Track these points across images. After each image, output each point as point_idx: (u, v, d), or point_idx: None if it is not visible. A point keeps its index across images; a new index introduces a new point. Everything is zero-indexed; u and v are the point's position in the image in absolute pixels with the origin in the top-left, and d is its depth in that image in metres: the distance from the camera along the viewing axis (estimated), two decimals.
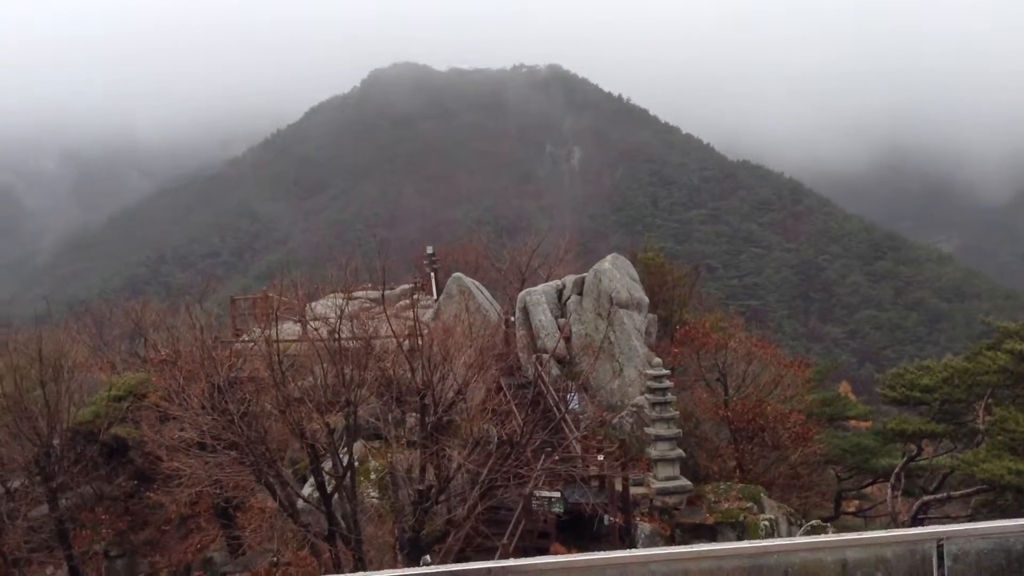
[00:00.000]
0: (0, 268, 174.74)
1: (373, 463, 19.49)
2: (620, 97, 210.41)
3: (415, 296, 29.00)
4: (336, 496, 14.88)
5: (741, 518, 21.54)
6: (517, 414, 19.51)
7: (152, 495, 23.41)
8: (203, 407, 15.41)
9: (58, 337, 25.06)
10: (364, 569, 15.20)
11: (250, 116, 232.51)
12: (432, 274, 32.44)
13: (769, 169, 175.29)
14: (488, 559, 18.07)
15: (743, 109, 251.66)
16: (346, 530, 15.03)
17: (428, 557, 16.79)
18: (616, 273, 27.65)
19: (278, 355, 15.37)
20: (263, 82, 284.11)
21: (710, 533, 21.25)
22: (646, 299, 28.13)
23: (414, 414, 18.91)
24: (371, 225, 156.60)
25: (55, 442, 23.60)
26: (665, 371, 22.44)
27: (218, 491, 20.83)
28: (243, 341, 26.32)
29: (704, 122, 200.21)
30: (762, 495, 22.99)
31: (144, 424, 23.45)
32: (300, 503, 16.39)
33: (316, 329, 19.33)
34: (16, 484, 25.43)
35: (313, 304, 26.72)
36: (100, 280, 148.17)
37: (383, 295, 19.27)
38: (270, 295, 28.63)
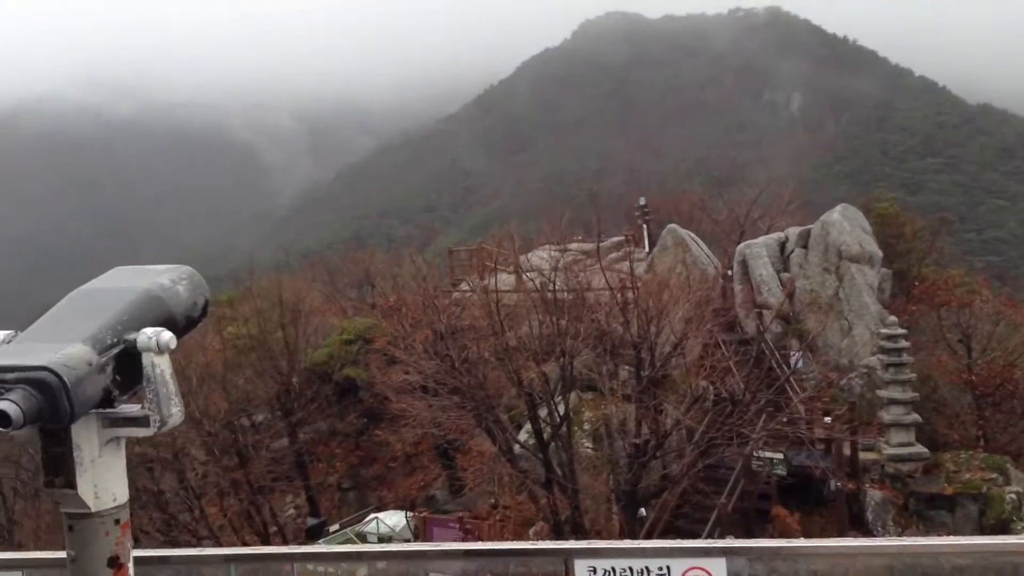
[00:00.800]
0: (246, 221, 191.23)
1: (587, 414, 19.49)
2: (845, 39, 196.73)
3: (628, 248, 28.62)
4: (552, 445, 14.98)
5: (984, 490, 19.75)
6: (735, 371, 18.80)
7: (380, 433, 24.83)
8: (426, 352, 15.93)
9: (296, 284, 26.90)
10: (581, 517, 15.27)
11: (466, 73, 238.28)
12: (644, 226, 31.87)
13: (1014, 113, 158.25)
14: (706, 516, 17.67)
15: (984, 47, 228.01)
16: (562, 478, 15.11)
17: (643, 511, 16.62)
18: (846, 225, 25.88)
19: (496, 304, 15.56)
20: (479, 38, 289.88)
21: (948, 504, 19.66)
22: (879, 253, 26.19)
23: (627, 367, 18.69)
24: (579, 179, 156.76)
25: (294, 380, 25.49)
26: (901, 330, 20.80)
27: (440, 433, 21.74)
28: (461, 291, 27.13)
29: (939, 63, 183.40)
30: (1009, 466, 20.95)
31: (372, 366, 24.77)
32: (517, 449, 16.67)
33: (531, 280, 19.48)
34: (260, 418, 27.79)
35: (527, 256, 27.05)
36: (330, 232, 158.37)
37: (597, 247, 19.00)
38: (486, 247, 29.29)
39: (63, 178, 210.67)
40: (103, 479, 1.92)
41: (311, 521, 22.25)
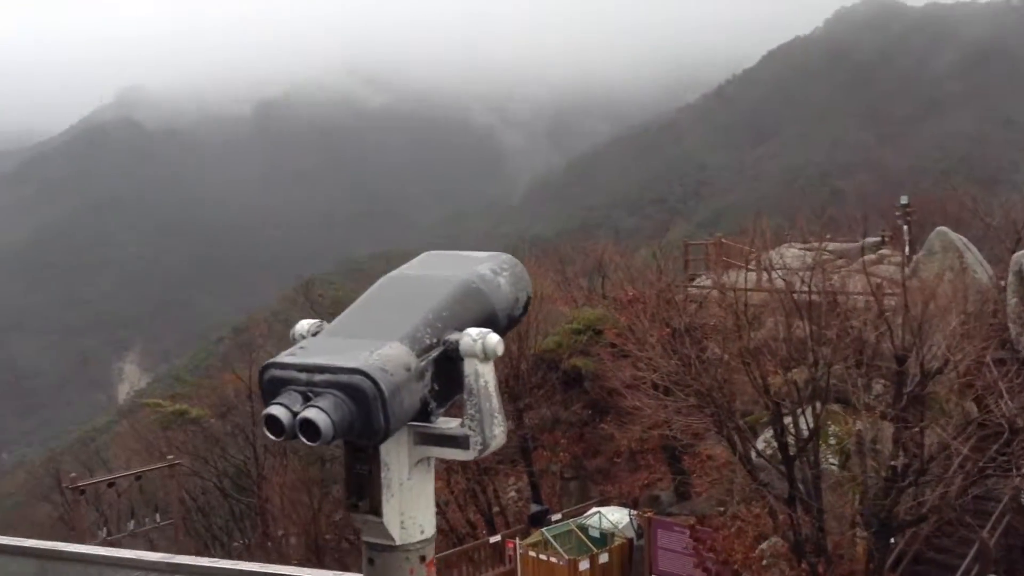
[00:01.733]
0: (481, 206, 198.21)
1: (833, 428, 18.06)
2: None
3: (885, 251, 26.39)
4: (797, 459, 13.91)
5: None
6: (1008, 395, 16.68)
7: (605, 427, 24.49)
8: (663, 350, 15.32)
9: (528, 270, 27.11)
10: (824, 539, 14.11)
11: (708, 63, 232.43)
12: (905, 227, 29.28)
13: None
14: (964, 550, 15.85)
15: None
16: (805, 495, 14.01)
17: (894, 540, 15.14)
18: None
19: (744, 304, 14.64)
20: (726, 27, 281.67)
21: None
22: None
23: (883, 381, 17.11)
24: (823, 173, 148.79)
25: (522, 366, 25.70)
26: None
27: (670, 433, 21.08)
28: (699, 287, 26.19)
29: None
30: None
31: (601, 358, 24.46)
32: (755, 458, 15.69)
33: (777, 279, 18.27)
34: None
35: (772, 252, 25.61)
36: (558, 222, 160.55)
37: (862, 248, 17.48)
38: (727, 240, 28.13)
39: (326, 158, 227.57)
40: (411, 507, 1.58)
41: (534, 508, 22.31)
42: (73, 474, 27.97)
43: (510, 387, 25.00)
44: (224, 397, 36.67)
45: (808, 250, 22.47)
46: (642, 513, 20.59)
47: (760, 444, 17.14)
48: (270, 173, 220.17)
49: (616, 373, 22.22)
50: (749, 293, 19.43)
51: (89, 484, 27.22)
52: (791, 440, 13.58)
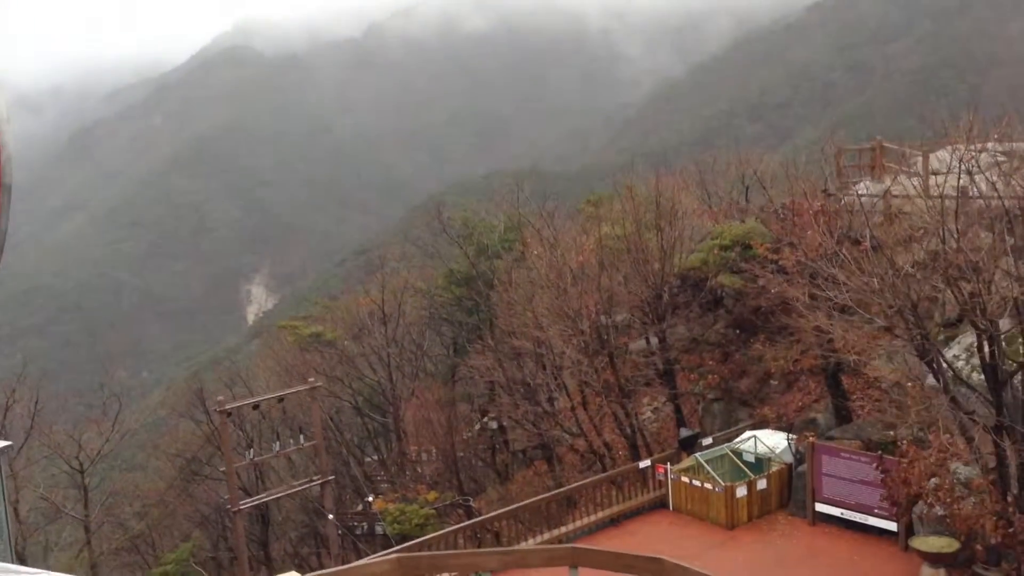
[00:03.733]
0: (598, 120, 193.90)
1: None
2: None
3: None
4: (1008, 385, 12.37)
5: None
6: None
7: (761, 347, 23.16)
8: (848, 264, 13.82)
9: (670, 183, 25.59)
10: None
11: None
12: None
13: None
14: None
15: None
16: (1011, 423, 12.52)
17: None
18: None
19: (940, 212, 12.94)
20: None
21: None
22: None
23: None
24: (960, 71, 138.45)
25: (666, 284, 24.47)
26: None
27: (830, 353, 19.62)
28: (854, 195, 24.15)
29: None
30: None
31: (751, 274, 22.96)
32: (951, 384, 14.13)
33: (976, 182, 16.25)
34: (619, 318, 27.32)
35: (930, 156, 23.25)
36: (678, 132, 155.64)
37: None
38: (886, 144, 25.80)
39: (438, 80, 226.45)
40: None
41: (684, 431, 21.34)
42: (220, 396, 28.61)
43: (653, 307, 23.88)
44: (358, 319, 37.01)
45: (983, 152, 20.10)
46: (804, 437, 19.32)
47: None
48: (383, 97, 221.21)
49: (770, 290, 20.79)
50: (913, 200, 17.49)
51: (235, 406, 27.80)
52: (1001, 363, 12.03)
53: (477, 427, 39.64)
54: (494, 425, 38.92)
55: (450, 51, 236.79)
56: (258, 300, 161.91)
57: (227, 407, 27.75)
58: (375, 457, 40.07)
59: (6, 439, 25.23)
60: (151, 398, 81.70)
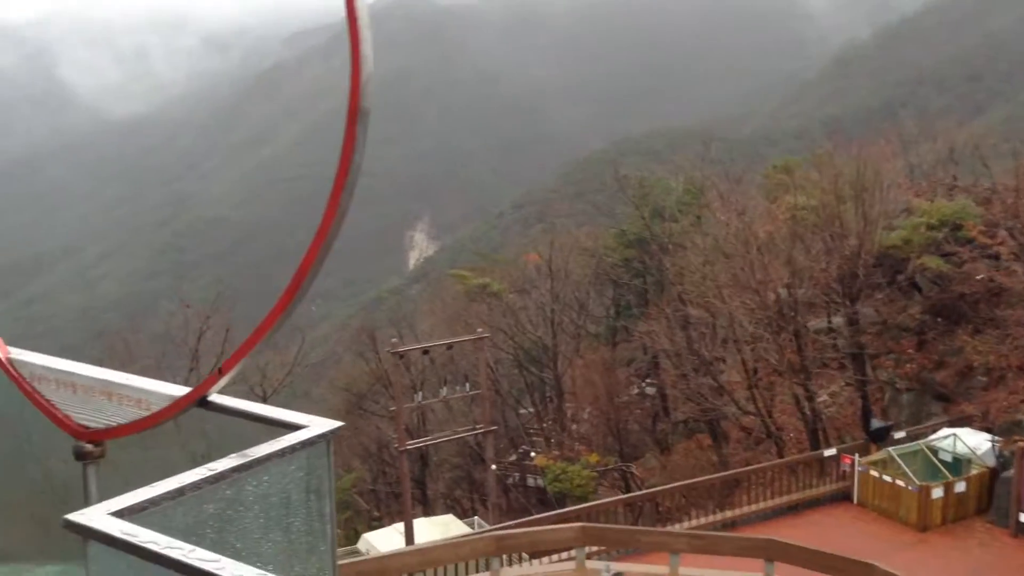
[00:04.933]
0: (774, 81, 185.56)
1: None
2: None
3: None
4: None
5: None
6: None
7: (966, 337, 21.43)
8: None
9: (875, 153, 23.83)
10: None
11: None
12: None
13: None
14: None
15: None
16: None
17: None
18: None
19: None
20: None
21: None
22: None
23: None
24: None
25: (861, 263, 22.94)
26: None
27: None
28: None
29: None
30: None
31: (959, 257, 21.22)
32: None
33: None
34: (800, 292, 25.88)
35: None
36: (856, 98, 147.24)
37: None
38: None
39: (611, 34, 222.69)
40: None
41: (876, 423, 20.07)
42: (394, 339, 29.35)
43: (845, 285, 22.46)
44: (525, 274, 37.04)
45: None
46: (1011, 440, 17.73)
47: None
48: (550, 49, 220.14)
49: (971, 277, 19.11)
50: None
51: (407, 350, 28.41)
52: None
53: (635, 391, 39.19)
54: (651, 391, 38.33)
55: (620, 4, 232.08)
56: (419, 246, 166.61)
57: (400, 350, 28.38)
58: (530, 410, 40.37)
59: (198, 364, 26.85)
60: (318, 330, 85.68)
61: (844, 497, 18.79)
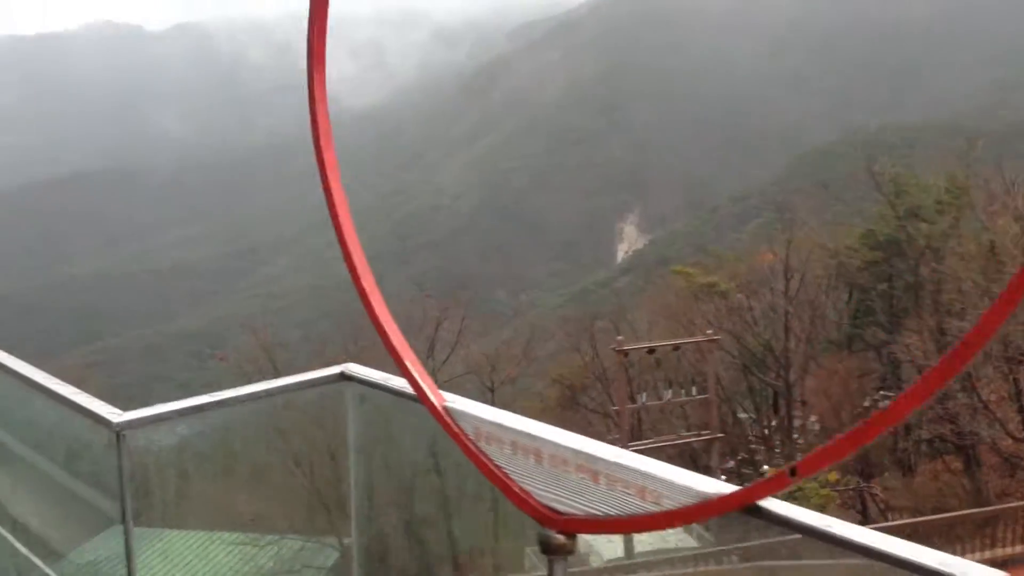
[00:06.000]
0: None
1: None
2: None
3: None
4: None
5: None
6: None
7: None
8: None
9: None
10: None
11: None
12: None
13: None
14: None
15: None
16: None
17: None
18: None
19: None
20: None
21: None
22: None
23: None
24: None
25: None
26: None
27: None
28: None
29: None
30: None
31: None
32: None
33: None
34: None
35: None
36: None
37: None
38: None
39: (838, 17, 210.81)
40: None
41: None
42: (620, 336, 28.69)
43: None
44: (756, 273, 35.14)
45: None
46: None
47: None
48: (776, 37, 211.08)
49: None
50: None
51: (633, 348, 27.70)
52: None
53: (866, 403, 36.36)
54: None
55: None
56: (629, 238, 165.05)
57: (625, 348, 27.65)
58: (752, 416, 38.41)
59: (433, 353, 27.48)
60: (523, 320, 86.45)
61: None
